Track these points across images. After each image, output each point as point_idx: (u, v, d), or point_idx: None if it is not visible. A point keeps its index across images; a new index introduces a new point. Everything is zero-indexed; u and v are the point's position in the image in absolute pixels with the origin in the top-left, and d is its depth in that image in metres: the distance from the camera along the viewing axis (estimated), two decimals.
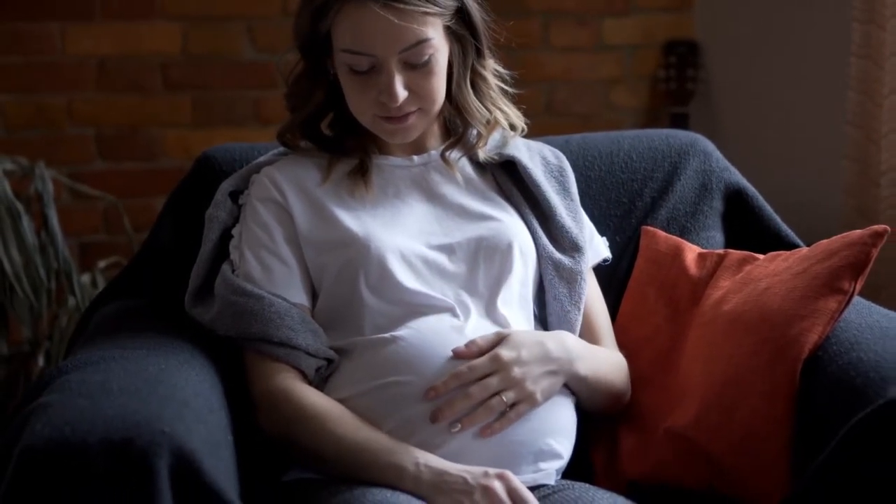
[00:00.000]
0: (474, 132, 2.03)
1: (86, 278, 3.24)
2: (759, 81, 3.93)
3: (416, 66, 1.88)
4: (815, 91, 3.69)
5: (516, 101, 2.07)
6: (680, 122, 4.00)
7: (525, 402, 1.82)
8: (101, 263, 3.36)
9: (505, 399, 1.80)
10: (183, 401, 1.59)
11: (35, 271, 3.01)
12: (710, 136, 3.98)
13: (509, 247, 1.94)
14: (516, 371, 1.81)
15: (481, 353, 1.82)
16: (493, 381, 1.80)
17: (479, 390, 1.79)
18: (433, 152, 2.03)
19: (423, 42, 1.86)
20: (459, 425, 1.77)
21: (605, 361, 1.98)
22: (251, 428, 1.85)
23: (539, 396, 1.83)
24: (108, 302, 2.11)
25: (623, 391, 2.01)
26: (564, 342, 1.90)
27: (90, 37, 3.72)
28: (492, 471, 1.72)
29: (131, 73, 3.77)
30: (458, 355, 1.81)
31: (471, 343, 1.83)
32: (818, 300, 1.85)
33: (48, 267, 3.07)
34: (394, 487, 1.72)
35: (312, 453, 1.80)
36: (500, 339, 1.84)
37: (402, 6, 1.83)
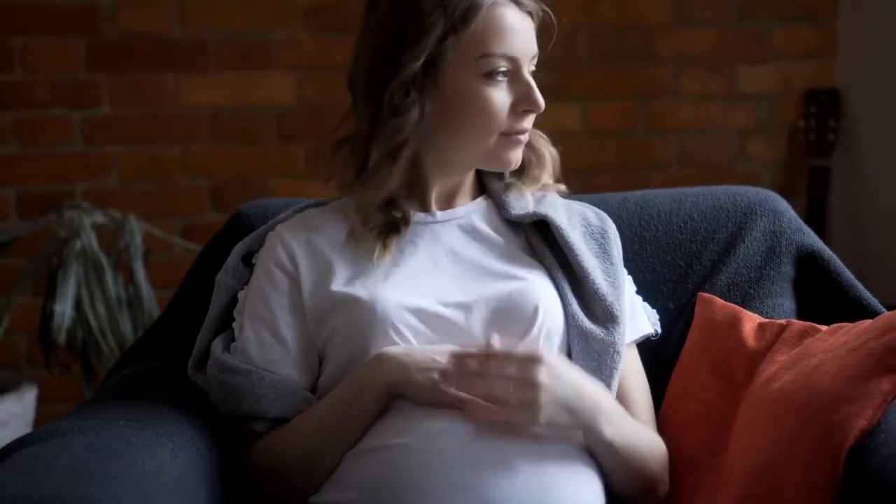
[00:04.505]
0: (513, 193, 1.90)
1: None
2: None
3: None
4: None
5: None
6: (821, 175, 3.80)
7: (524, 410, 1.63)
8: None
9: (511, 391, 1.62)
10: (134, 481, 1.47)
11: (117, 327, 2.96)
12: (853, 190, 3.80)
13: (535, 310, 1.76)
14: (543, 394, 1.63)
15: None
16: (512, 370, 1.63)
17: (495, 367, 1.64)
18: (459, 209, 1.88)
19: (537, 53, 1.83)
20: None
21: (642, 436, 1.78)
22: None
23: (541, 417, 1.63)
24: (130, 363, 2.01)
25: (657, 477, 1.79)
26: (598, 399, 1.70)
27: (205, 87, 3.70)
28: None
29: (245, 124, 3.73)
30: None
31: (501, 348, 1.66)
32: (869, 381, 1.64)
33: (135, 321, 3.02)
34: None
35: (302, 463, 1.71)
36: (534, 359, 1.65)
37: (532, 11, 1.81)
